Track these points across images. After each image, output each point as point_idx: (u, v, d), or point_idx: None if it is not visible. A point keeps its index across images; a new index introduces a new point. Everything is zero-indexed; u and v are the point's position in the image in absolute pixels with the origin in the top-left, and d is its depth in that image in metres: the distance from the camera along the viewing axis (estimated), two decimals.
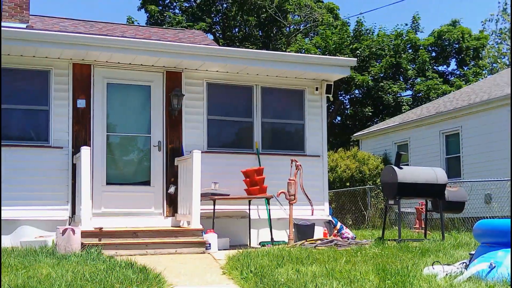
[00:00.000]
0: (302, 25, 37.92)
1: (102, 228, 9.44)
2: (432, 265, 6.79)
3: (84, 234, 9.08)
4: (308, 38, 37.46)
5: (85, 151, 9.44)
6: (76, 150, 10.31)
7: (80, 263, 7.32)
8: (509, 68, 21.71)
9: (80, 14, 65.08)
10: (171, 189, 10.87)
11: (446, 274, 6.34)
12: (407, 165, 19.51)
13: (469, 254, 7.16)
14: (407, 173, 10.60)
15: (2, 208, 9.91)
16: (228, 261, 7.84)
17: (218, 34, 38.23)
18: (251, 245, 10.96)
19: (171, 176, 10.97)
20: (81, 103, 10.65)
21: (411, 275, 6.12)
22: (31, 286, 5.52)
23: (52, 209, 10.35)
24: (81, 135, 10.59)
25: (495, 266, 5.99)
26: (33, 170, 10.28)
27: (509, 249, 6.08)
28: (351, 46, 33.45)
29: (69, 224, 10.17)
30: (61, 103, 10.59)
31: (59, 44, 10.18)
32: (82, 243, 8.91)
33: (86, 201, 9.32)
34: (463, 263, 6.93)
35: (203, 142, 11.36)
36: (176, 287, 6.36)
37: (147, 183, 11.00)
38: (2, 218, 9.88)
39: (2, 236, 9.84)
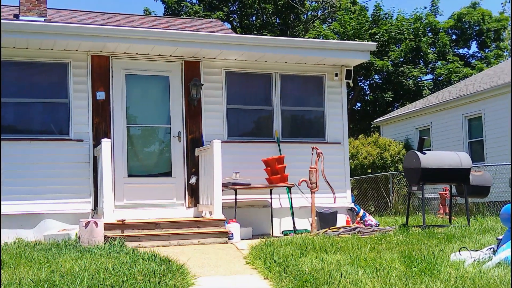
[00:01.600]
0: (319, 11, 37.63)
1: (124, 220, 9.43)
2: (459, 251, 6.66)
3: (107, 227, 9.08)
4: (326, 24, 37.17)
5: (105, 143, 9.43)
6: (96, 142, 10.31)
7: (103, 256, 7.31)
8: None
9: (97, 7, 65.21)
10: (192, 180, 10.83)
11: (474, 260, 6.22)
12: (429, 150, 19.27)
13: (496, 239, 7.02)
14: (431, 158, 10.44)
15: (24, 202, 9.96)
16: (251, 251, 7.78)
17: (235, 23, 38.08)
18: (274, 234, 10.89)
19: (192, 167, 10.92)
20: (100, 95, 10.62)
21: (438, 262, 6.00)
22: (53, 280, 5.49)
23: (75, 202, 10.36)
24: (101, 127, 10.57)
25: None
26: (55, 163, 10.29)
27: None
28: (369, 31, 33.10)
29: (92, 217, 10.19)
30: (81, 96, 10.58)
31: (77, 36, 10.15)
32: (105, 236, 8.92)
33: (108, 193, 9.31)
34: (491, 248, 6.79)
35: (223, 131, 11.29)
36: (199, 278, 6.31)
37: (168, 174, 10.97)
38: (25, 212, 9.94)
39: (25, 230, 9.92)
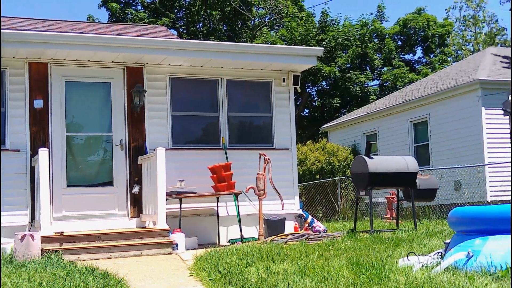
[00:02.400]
0: (267, 18, 37.62)
1: (63, 232, 9.03)
2: (407, 256, 6.55)
3: (44, 240, 8.68)
4: (273, 31, 37.18)
5: (42, 153, 9.01)
6: (34, 152, 9.86)
7: (38, 271, 6.93)
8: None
9: (39, 15, 63.74)
10: (135, 189, 10.49)
11: (422, 265, 6.11)
12: (376, 155, 19.35)
13: (444, 243, 6.93)
14: (378, 163, 10.38)
15: None
16: (195, 262, 7.51)
17: (182, 30, 37.70)
18: (220, 243, 10.64)
19: (135, 176, 10.58)
20: (38, 103, 10.19)
21: (386, 268, 5.86)
22: None
23: (11, 214, 9.86)
24: (39, 137, 10.13)
25: (473, 255, 5.76)
26: None
27: (488, 237, 5.85)
28: (317, 37, 33.28)
29: (29, 230, 9.73)
30: (18, 104, 10.12)
31: (13, 43, 9.72)
32: (42, 249, 8.51)
33: (45, 205, 8.90)
34: (439, 252, 6.71)
35: (168, 139, 10.99)
36: None
37: (110, 183, 10.59)
38: None
39: None
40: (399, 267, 6.08)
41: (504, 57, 21.86)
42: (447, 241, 6.86)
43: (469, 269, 5.66)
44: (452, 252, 6.08)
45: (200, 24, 38.44)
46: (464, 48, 48.08)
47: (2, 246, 9.16)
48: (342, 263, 6.46)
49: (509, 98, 17.22)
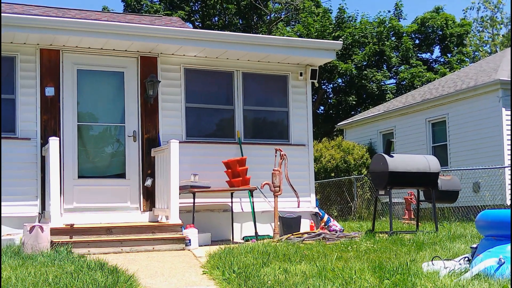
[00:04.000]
0: (283, 13, 37.22)
1: (73, 224, 8.77)
2: (432, 260, 6.21)
3: (54, 232, 8.41)
4: (289, 26, 36.79)
5: (53, 142, 8.74)
6: (45, 141, 9.59)
7: (46, 264, 6.66)
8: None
9: (53, 4, 63.62)
10: (148, 182, 10.20)
11: (449, 271, 5.77)
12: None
13: (471, 247, 6.58)
14: (398, 162, 10.03)
15: None
16: (209, 259, 7.20)
17: (197, 23, 37.41)
18: (234, 240, 10.33)
19: (148, 168, 10.29)
20: (49, 91, 9.92)
21: (411, 273, 5.52)
22: None
23: (21, 204, 9.63)
24: (50, 125, 9.87)
25: (504, 262, 5.41)
26: None
27: None
28: (333, 34, 32.84)
29: (39, 221, 9.48)
30: (28, 91, 9.86)
31: (24, 27, 9.43)
32: (51, 241, 8.25)
33: (55, 196, 8.62)
34: (465, 257, 6.37)
35: (182, 131, 10.69)
36: None
37: (122, 175, 10.31)
38: None
39: None
40: (424, 272, 5.74)
41: None
42: (474, 245, 6.51)
43: (501, 277, 5.32)
44: (482, 258, 5.73)
45: (216, 18, 38.12)
46: (481, 49, 47.44)
47: (11, 237, 8.91)
48: (363, 266, 6.12)
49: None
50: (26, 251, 7.90)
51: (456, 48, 35.27)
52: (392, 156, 10.08)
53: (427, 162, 10.19)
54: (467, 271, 5.65)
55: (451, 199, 10.60)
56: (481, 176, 17.23)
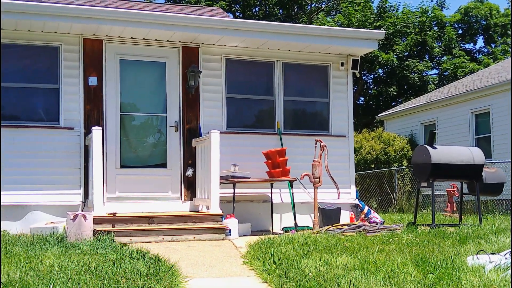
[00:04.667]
0: (323, 3, 36.94)
1: (116, 213, 8.87)
2: (477, 254, 6.08)
3: (97, 220, 8.52)
4: (330, 16, 36.50)
5: (96, 131, 8.84)
6: (88, 131, 9.72)
7: (88, 253, 6.74)
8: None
9: None
10: (189, 172, 10.25)
11: (495, 266, 5.64)
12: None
13: None
14: (441, 153, 9.85)
15: (10, 192, 9.40)
16: (249, 250, 7.20)
17: (238, 14, 37.40)
18: (274, 231, 10.32)
19: (189, 158, 10.34)
20: (92, 81, 10.03)
21: (456, 267, 5.42)
22: (26, 281, 4.91)
23: (64, 193, 9.78)
24: (93, 115, 9.99)
25: None
26: (43, 152, 9.73)
27: None
28: (374, 24, 32.46)
29: (82, 209, 9.62)
30: (72, 81, 9.99)
31: (68, 17, 9.53)
32: (94, 230, 8.35)
33: (98, 185, 8.73)
34: (511, 252, 6.21)
35: (222, 122, 10.70)
36: (190, 280, 5.71)
37: (163, 165, 10.37)
38: (10, 203, 9.38)
39: (11, 223, 9.34)
40: (469, 266, 5.63)
41: None
42: None
43: None
44: None
45: (257, 8, 38.05)
46: None
47: (54, 225, 9.06)
48: (406, 259, 6.04)
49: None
50: (69, 239, 8.01)
51: (500, 38, 34.53)
52: (435, 148, 9.91)
53: (471, 154, 9.99)
54: None
55: (496, 192, 10.37)
56: None
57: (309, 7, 37.03)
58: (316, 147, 10.26)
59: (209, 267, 6.49)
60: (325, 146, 10.23)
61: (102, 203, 8.92)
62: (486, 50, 35.10)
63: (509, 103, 17.07)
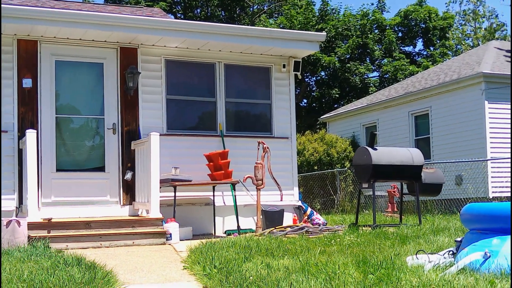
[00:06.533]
0: (266, 5, 37.03)
1: (51, 218, 8.58)
2: (416, 254, 6.11)
3: (31, 226, 8.22)
4: (272, 19, 36.60)
5: (30, 134, 8.54)
6: (22, 134, 9.37)
7: (22, 260, 6.47)
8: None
9: None
10: (128, 175, 10.02)
11: (434, 265, 5.67)
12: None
13: (455, 241, 6.48)
14: (382, 154, 9.94)
15: None
16: (189, 254, 7.05)
17: (179, 15, 37.09)
18: (216, 234, 10.19)
19: (128, 161, 10.11)
20: (27, 82, 9.68)
21: (396, 268, 5.41)
22: None
23: None
24: (28, 118, 9.64)
25: (490, 256, 5.32)
26: None
27: (507, 236, 5.41)
28: (317, 26, 32.71)
29: (17, 215, 9.26)
30: (5, 83, 9.62)
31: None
32: (29, 236, 8.06)
33: (33, 189, 8.43)
34: (449, 251, 6.28)
35: (162, 124, 10.51)
36: (128, 286, 5.54)
37: (101, 169, 10.11)
38: None
39: None
40: (409, 266, 5.63)
41: (508, 51, 21.41)
42: (459, 239, 6.42)
43: (487, 271, 5.23)
44: (467, 251, 5.64)
45: (198, 10, 37.83)
46: (463, 43, 47.52)
47: None
48: (347, 260, 6.01)
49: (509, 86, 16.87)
50: (3, 246, 7.70)
51: (439, 41, 35.30)
52: (376, 149, 9.98)
53: (411, 155, 10.12)
54: (452, 265, 5.56)
55: (435, 192, 10.53)
56: (464, 169, 17.22)
57: (251, 9, 37.07)
58: (258, 149, 10.19)
59: (148, 273, 6.31)
60: (267, 148, 10.16)
61: (37, 208, 8.63)
62: (425, 53, 35.83)
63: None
